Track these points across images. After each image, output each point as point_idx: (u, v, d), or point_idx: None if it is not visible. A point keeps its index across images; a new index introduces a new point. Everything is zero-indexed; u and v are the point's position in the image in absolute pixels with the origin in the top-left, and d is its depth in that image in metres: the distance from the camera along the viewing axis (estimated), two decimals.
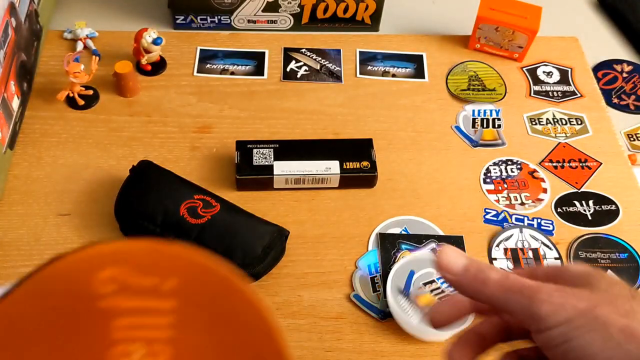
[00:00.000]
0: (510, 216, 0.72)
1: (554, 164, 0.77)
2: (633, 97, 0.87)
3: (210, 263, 0.22)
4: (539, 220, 0.72)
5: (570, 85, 0.86)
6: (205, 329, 0.21)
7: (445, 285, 0.65)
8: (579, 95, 0.85)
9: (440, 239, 0.69)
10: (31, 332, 0.21)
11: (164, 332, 0.21)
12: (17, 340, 0.21)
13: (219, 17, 0.88)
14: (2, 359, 0.20)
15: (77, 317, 0.21)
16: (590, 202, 0.74)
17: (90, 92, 0.79)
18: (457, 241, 0.69)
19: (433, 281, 0.65)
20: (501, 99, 0.84)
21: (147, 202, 0.66)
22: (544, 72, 0.87)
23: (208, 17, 0.88)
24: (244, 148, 0.72)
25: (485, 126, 0.81)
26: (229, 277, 0.22)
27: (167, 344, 0.21)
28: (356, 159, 0.72)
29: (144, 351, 0.20)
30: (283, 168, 0.71)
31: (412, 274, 0.65)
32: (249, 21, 0.89)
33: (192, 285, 0.21)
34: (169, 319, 0.21)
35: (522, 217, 0.72)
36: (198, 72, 0.84)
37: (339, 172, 0.71)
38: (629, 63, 0.91)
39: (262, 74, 0.84)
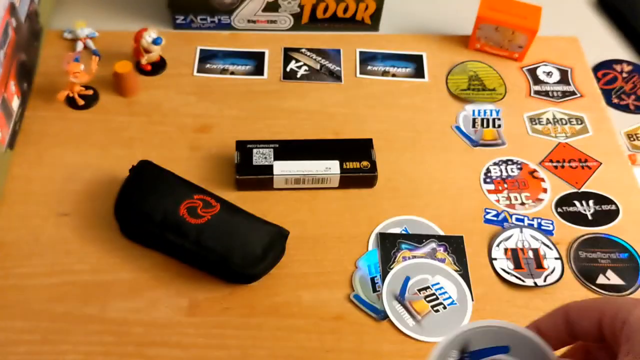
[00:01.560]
0: (511, 216, 0.72)
1: (554, 164, 0.77)
2: (633, 97, 0.87)
3: None
4: (539, 220, 0.72)
5: (570, 85, 0.86)
6: None
7: (439, 292, 0.65)
8: (579, 95, 0.85)
9: (440, 238, 0.69)
10: None
11: None
12: None
13: (219, 17, 0.88)
14: None
15: None
16: (591, 202, 0.74)
17: (90, 92, 0.79)
18: (457, 241, 0.69)
19: (428, 287, 0.65)
20: (501, 99, 0.84)
21: (147, 202, 0.66)
22: (544, 72, 0.87)
23: (208, 17, 0.88)
24: (244, 148, 0.72)
25: (485, 126, 0.81)
26: None
27: None
28: (356, 159, 0.72)
29: None
30: (283, 168, 0.71)
31: (407, 279, 0.65)
32: (249, 21, 0.89)
33: None
34: None
35: (522, 217, 0.72)
36: (198, 72, 0.84)
37: (339, 172, 0.71)
38: (629, 63, 0.91)
39: (262, 74, 0.84)
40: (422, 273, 0.66)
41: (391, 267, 0.66)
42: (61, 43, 0.86)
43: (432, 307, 0.64)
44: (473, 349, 0.36)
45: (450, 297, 0.65)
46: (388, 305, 0.64)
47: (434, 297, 0.65)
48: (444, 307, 0.64)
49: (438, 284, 0.66)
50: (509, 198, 0.74)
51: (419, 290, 0.65)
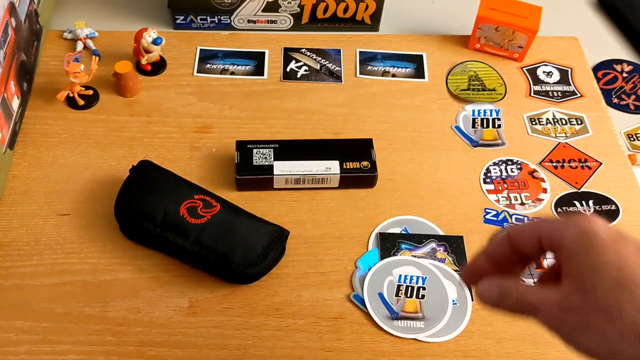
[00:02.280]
0: (510, 216, 0.72)
1: (554, 164, 0.77)
2: (633, 97, 0.87)
3: None
4: None
5: (570, 85, 0.86)
6: None
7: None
8: (579, 95, 0.85)
9: (440, 238, 0.69)
10: None
11: None
12: None
13: (219, 17, 0.88)
14: None
15: None
16: (590, 202, 0.74)
17: (90, 92, 0.79)
18: (457, 241, 0.69)
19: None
20: (501, 99, 0.84)
21: (147, 202, 0.66)
22: (544, 72, 0.87)
23: (208, 17, 0.88)
24: (244, 148, 0.72)
25: (485, 126, 0.81)
26: None
27: None
28: (356, 159, 0.72)
29: None
30: (283, 168, 0.71)
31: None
32: (249, 21, 0.89)
33: None
34: None
35: (522, 217, 0.72)
36: (198, 72, 0.84)
37: (339, 172, 0.71)
38: (629, 63, 0.91)
39: (262, 74, 0.84)
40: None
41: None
42: (61, 43, 0.86)
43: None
44: None
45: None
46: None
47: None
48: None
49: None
50: (508, 198, 0.74)
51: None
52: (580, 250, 0.34)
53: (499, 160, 0.77)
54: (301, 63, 0.86)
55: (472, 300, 0.65)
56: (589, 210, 0.73)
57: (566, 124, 0.82)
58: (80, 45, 0.85)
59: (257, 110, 0.80)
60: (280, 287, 0.65)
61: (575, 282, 0.34)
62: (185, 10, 0.87)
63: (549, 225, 0.37)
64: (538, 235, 0.38)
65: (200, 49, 0.86)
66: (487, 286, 0.40)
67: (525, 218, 0.72)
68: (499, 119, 0.81)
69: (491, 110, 0.82)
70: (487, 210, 0.72)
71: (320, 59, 0.87)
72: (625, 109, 0.85)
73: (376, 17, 0.90)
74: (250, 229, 0.65)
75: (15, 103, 0.74)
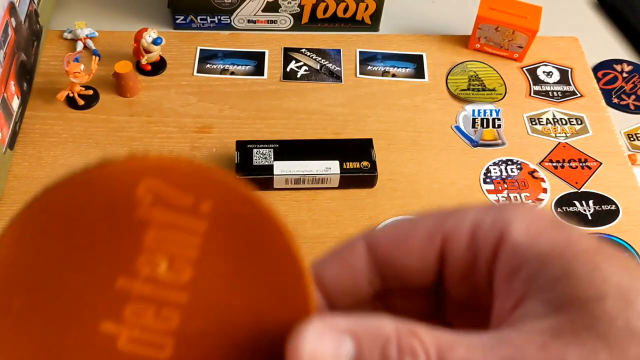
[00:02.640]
0: None
1: (554, 164, 0.77)
2: (633, 97, 0.87)
3: (246, 190, 0.22)
4: None
5: (570, 85, 0.86)
6: (230, 255, 0.22)
7: None
8: (579, 95, 0.85)
9: None
10: (65, 229, 0.22)
11: (191, 250, 0.21)
12: (50, 235, 0.22)
13: (219, 17, 0.88)
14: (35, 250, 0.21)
15: (112, 222, 0.21)
16: (590, 202, 0.74)
17: (90, 92, 0.79)
18: None
19: None
20: (501, 99, 0.84)
21: None
22: (544, 72, 0.87)
23: (208, 17, 0.88)
24: (244, 148, 0.72)
25: (485, 126, 0.81)
26: (261, 205, 0.22)
27: (190, 262, 0.21)
28: (356, 159, 0.72)
29: (166, 265, 0.21)
30: (283, 168, 0.71)
31: None
32: (249, 21, 0.89)
33: (226, 209, 0.21)
34: (198, 239, 0.21)
35: None
36: (198, 72, 0.84)
37: (339, 172, 0.71)
38: (629, 63, 0.91)
39: (262, 74, 0.84)
40: None
41: None
42: (61, 43, 0.86)
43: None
44: None
45: None
46: None
47: None
48: None
49: None
50: (508, 198, 0.74)
51: None
52: (556, 245, 0.20)
53: (499, 160, 0.77)
54: (301, 63, 0.86)
55: None
56: (589, 210, 0.73)
57: (566, 124, 0.82)
58: (80, 45, 0.85)
59: (257, 110, 0.80)
60: None
61: (563, 296, 0.19)
62: (185, 10, 0.87)
63: (466, 217, 0.22)
64: (441, 234, 0.22)
65: (200, 49, 0.86)
66: (324, 335, 0.20)
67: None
68: (499, 119, 0.82)
69: (491, 110, 0.82)
70: None
71: (320, 59, 0.87)
72: (625, 109, 0.85)
73: (376, 17, 0.90)
74: None
75: (15, 103, 0.74)
